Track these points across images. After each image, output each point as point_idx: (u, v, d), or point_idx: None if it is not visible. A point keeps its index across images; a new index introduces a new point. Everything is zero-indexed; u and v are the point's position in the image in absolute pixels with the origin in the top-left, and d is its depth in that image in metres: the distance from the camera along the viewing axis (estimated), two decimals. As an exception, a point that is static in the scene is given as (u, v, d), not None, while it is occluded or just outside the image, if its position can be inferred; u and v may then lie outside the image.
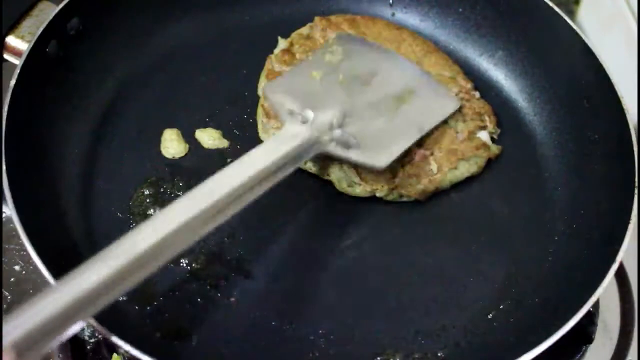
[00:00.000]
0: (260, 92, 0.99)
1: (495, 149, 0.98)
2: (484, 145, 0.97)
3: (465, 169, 0.95)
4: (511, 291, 0.88)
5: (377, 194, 0.93)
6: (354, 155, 0.87)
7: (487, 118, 0.99)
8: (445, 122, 0.97)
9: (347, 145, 0.86)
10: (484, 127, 0.98)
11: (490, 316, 0.86)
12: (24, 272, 0.94)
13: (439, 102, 0.97)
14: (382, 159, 0.89)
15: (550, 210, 0.95)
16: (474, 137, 0.97)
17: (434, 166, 0.94)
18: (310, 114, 0.85)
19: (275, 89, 0.91)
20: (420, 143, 0.94)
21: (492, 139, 0.99)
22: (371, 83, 0.95)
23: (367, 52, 1.00)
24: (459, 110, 0.98)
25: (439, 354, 0.83)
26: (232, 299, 0.85)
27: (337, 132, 0.86)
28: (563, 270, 0.89)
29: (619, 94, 0.92)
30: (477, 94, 1.01)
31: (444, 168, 0.94)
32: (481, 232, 0.92)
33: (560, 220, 0.94)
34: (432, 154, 0.94)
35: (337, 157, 0.88)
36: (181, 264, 0.86)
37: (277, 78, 0.96)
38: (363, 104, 0.92)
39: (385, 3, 1.10)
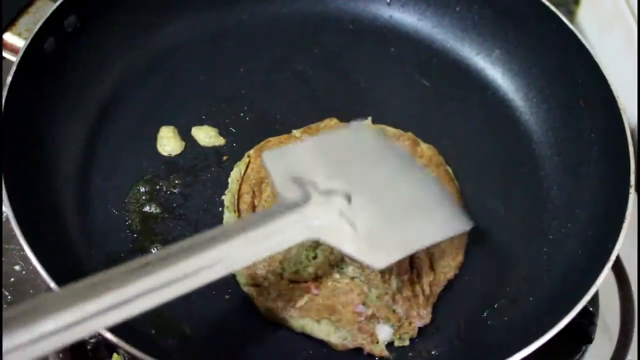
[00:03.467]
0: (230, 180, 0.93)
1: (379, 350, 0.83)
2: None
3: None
4: (505, 290, 0.88)
5: None
6: (349, 247, 0.75)
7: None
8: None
9: (343, 234, 0.74)
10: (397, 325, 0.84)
11: (484, 315, 0.87)
12: (24, 272, 0.95)
13: (449, 219, 0.86)
14: (381, 260, 0.77)
15: (546, 209, 0.95)
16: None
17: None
18: (321, 188, 0.74)
19: (275, 157, 0.79)
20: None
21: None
22: (384, 179, 0.83)
23: (387, 150, 0.88)
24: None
25: (432, 352, 0.84)
26: (227, 296, 0.85)
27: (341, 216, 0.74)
28: (557, 269, 0.89)
29: (615, 93, 0.92)
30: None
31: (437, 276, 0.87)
32: (476, 231, 0.92)
33: (555, 219, 0.94)
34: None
35: (330, 246, 0.77)
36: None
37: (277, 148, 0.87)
38: (370, 194, 0.79)
39: (383, 2, 1.11)
